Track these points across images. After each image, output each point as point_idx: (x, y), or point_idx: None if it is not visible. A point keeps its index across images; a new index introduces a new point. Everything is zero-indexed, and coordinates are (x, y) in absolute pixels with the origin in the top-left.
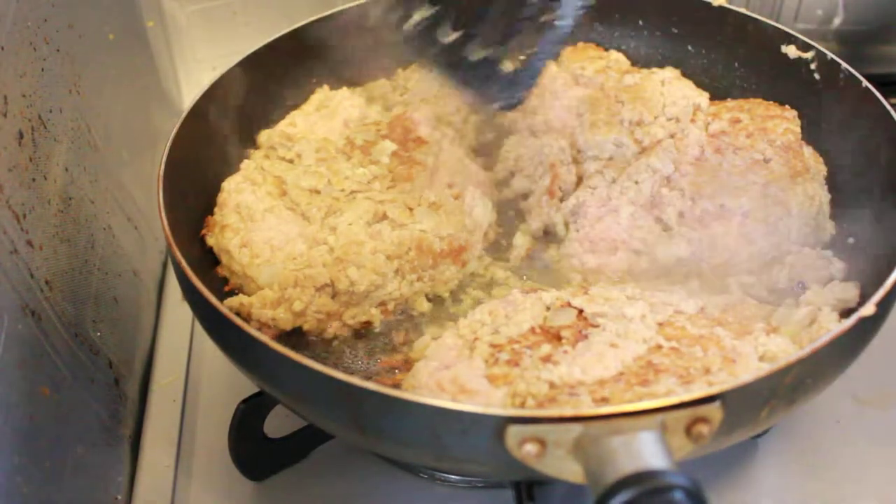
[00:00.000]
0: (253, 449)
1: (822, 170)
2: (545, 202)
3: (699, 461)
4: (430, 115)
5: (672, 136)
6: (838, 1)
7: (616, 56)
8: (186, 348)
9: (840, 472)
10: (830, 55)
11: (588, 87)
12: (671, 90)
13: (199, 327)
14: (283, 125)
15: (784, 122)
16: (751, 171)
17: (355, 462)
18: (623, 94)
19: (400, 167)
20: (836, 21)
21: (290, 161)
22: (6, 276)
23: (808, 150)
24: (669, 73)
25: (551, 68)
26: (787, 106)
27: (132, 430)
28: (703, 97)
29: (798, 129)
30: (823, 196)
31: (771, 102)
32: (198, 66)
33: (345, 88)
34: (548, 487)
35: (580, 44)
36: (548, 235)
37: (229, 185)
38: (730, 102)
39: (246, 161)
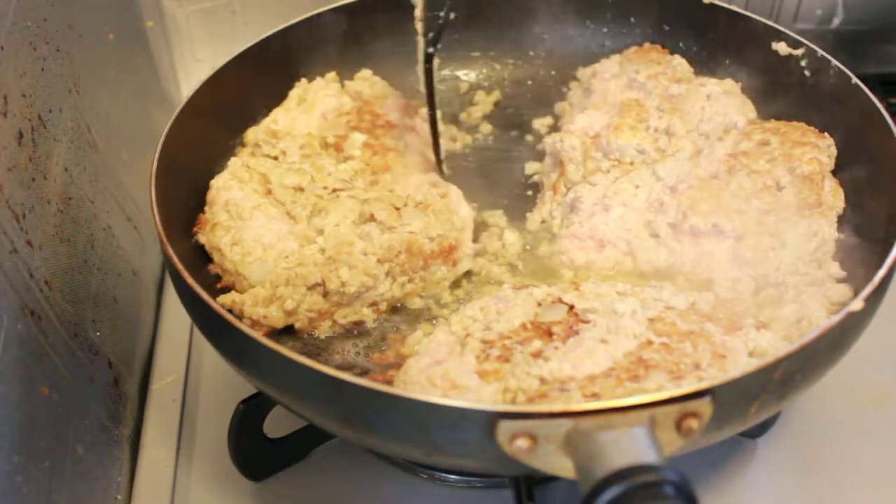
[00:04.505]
0: (253, 449)
1: (838, 206)
2: (549, 197)
3: (700, 460)
4: (399, 100)
5: (699, 153)
6: (838, 1)
7: (678, 61)
8: (186, 348)
9: (840, 472)
10: (820, 52)
11: (639, 91)
12: (714, 106)
13: None
14: (266, 122)
15: (813, 151)
16: (756, 197)
17: (355, 462)
18: (665, 103)
19: (375, 157)
20: (836, 21)
21: (275, 158)
22: (6, 276)
23: (829, 184)
24: (718, 87)
25: (613, 67)
26: (825, 133)
27: (132, 430)
28: (742, 117)
29: (827, 160)
30: (829, 234)
31: (810, 128)
32: (198, 66)
33: (319, 79)
34: (548, 487)
35: (646, 44)
36: (544, 231)
37: (217, 182)
38: (769, 123)
39: (233, 159)
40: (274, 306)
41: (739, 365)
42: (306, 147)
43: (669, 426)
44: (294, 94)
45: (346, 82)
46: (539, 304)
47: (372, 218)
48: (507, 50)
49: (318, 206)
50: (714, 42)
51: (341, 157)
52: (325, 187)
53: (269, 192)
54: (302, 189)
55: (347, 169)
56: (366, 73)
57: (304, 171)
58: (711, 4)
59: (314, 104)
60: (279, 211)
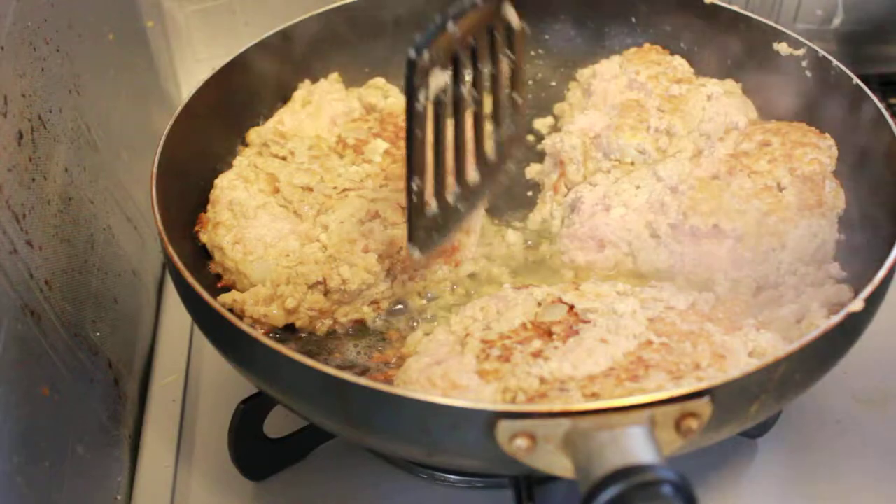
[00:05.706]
0: (253, 449)
1: (839, 207)
2: (549, 197)
3: (700, 460)
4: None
5: (700, 153)
6: (838, 1)
7: (679, 61)
8: (186, 348)
9: (840, 472)
10: (822, 53)
11: (640, 92)
12: (714, 106)
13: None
14: (272, 123)
15: (814, 152)
16: (756, 197)
17: (355, 462)
18: (666, 104)
19: (393, 165)
20: (836, 21)
21: (283, 158)
22: (6, 276)
23: (830, 185)
24: (719, 87)
25: (614, 67)
26: (826, 134)
27: (132, 430)
28: (742, 117)
29: (828, 160)
30: (830, 234)
31: (811, 129)
32: (197, 66)
33: (323, 81)
34: (548, 487)
35: (646, 45)
36: (545, 231)
37: (222, 182)
38: (769, 124)
39: (239, 158)
40: (274, 305)
41: (739, 365)
42: (314, 149)
43: (669, 426)
44: (298, 95)
45: (358, 90)
46: (539, 304)
47: (377, 215)
48: None
49: (326, 205)
50: (714, 42)
51: (359, 159)
52: (335, 187)
53: (277, 191)
54: (311, 189)
55: (359, 171)
56: (378, 81)
57: (314, 172)
58: (712, 4)
59: (321, 108)
60: (284, 210)
